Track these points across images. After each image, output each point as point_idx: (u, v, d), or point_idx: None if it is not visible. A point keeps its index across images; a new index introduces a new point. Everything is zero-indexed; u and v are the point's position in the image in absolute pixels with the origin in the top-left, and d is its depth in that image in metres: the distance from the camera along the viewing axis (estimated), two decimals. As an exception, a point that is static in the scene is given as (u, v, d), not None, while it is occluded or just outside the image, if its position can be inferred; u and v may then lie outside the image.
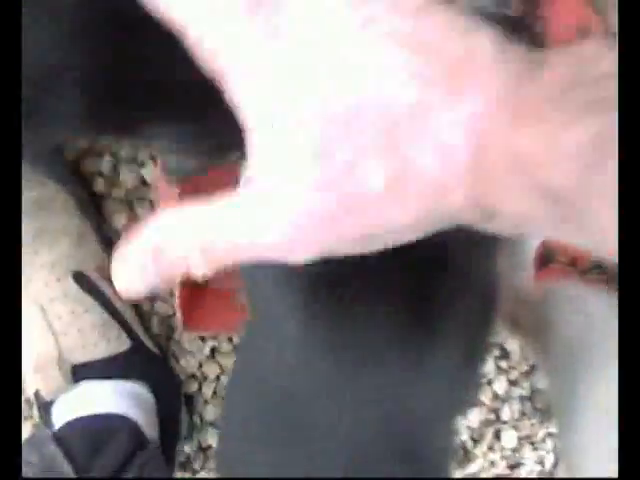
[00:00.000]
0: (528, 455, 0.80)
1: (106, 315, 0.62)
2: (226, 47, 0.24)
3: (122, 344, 0.63)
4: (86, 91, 0.36)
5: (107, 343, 0.61)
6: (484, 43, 0.23)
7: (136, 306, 0.68)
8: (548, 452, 0.80)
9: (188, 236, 0.26)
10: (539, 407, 0.78)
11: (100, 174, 0.66)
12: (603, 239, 0.23)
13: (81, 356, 0.60)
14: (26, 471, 0.52)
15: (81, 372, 0.60)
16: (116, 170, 0.66)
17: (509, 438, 0.79)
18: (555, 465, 0.80)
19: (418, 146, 0.23)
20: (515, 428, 0.79)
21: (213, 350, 0.71)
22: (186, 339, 0.70)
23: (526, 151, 0.22)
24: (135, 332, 0.64)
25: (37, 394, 0.60)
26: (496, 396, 0.78)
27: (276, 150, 0.25)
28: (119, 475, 0.56)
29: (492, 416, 0.79)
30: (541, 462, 0.80)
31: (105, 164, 0.65)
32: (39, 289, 0.60)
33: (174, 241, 0.26)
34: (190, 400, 0.71)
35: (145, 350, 0.65)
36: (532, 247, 0.70)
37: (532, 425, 0.79)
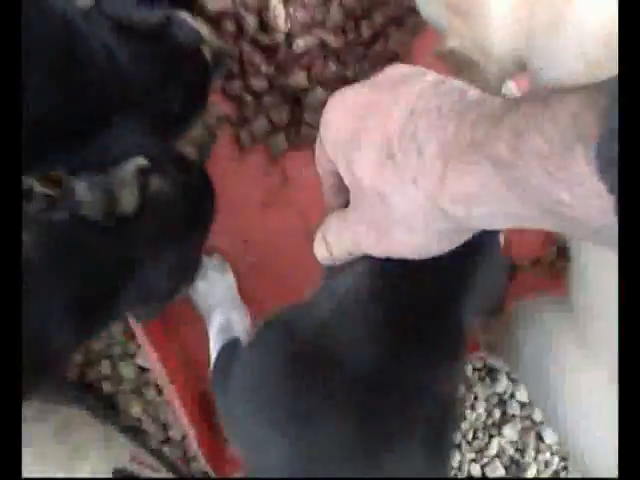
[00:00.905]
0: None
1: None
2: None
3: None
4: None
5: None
6: None
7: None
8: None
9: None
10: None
11: (105, 377, 0.74)
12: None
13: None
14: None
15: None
16: (115, 368, 0.74)
17: (550, 434, 0.84)
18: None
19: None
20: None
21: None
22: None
23: None
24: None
25: None
26: (523, 405, 0.84)
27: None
28: None
29: (527, 423, 0.84)
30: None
31: (105, 367, 0.73)
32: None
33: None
34: None
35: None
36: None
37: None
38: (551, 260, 0.82)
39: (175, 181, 0.59)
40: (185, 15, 0.60)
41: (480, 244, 0.47)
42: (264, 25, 0.73)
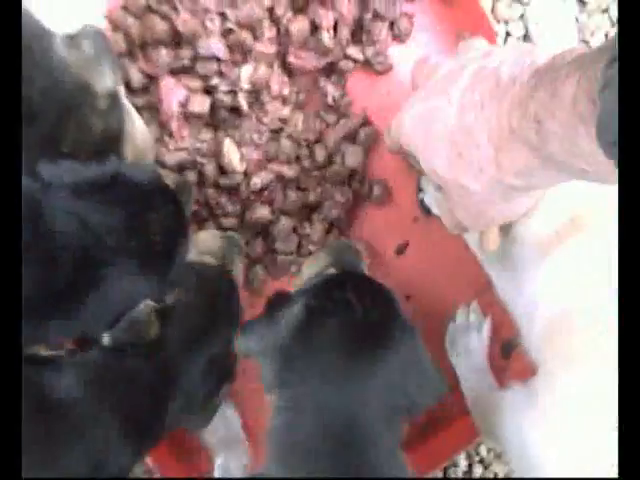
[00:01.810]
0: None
1: None
2: None
3: None
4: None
5: None
6: None
7: None
8: None
9: None
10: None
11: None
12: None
13: None
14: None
15: None
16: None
17: None
18: None
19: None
20: None
21: None
22: None
23: None
24: None
25: None
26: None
27: None
28: None
29: None
30: None
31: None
32: None
33: None
34: None
35: None
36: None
37: None
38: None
39: (195, 288, 0.66)
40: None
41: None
42: (223, 169, 0.76)
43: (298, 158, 0.77)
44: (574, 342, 0.54)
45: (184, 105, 0.73)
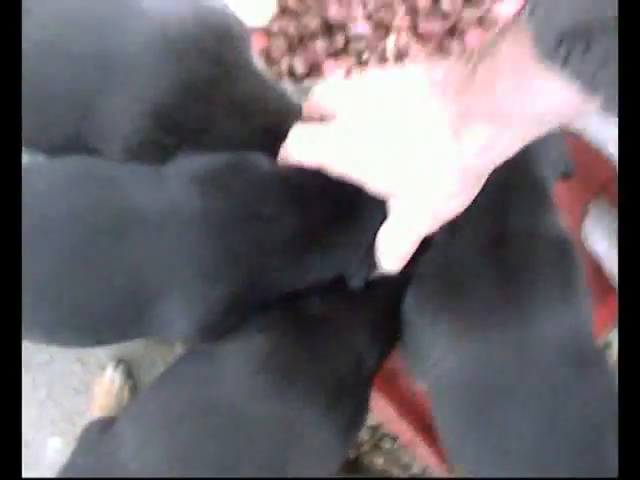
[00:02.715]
0: None
1: None
2: None
3: None
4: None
5: None
6: None
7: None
8: None
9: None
10: None
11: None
12: None
13: None
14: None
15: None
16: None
17: None
18: None
19: None
20: None
21: None
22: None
23: None
24: None
25: None
26: None
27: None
28: None
29: None
30: None
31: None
32: None
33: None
34: None
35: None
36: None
37: None
38: None
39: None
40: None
41: None
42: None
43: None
44: None
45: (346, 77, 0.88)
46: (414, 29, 0.91)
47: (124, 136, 0.68)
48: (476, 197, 0.51)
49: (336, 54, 0.89)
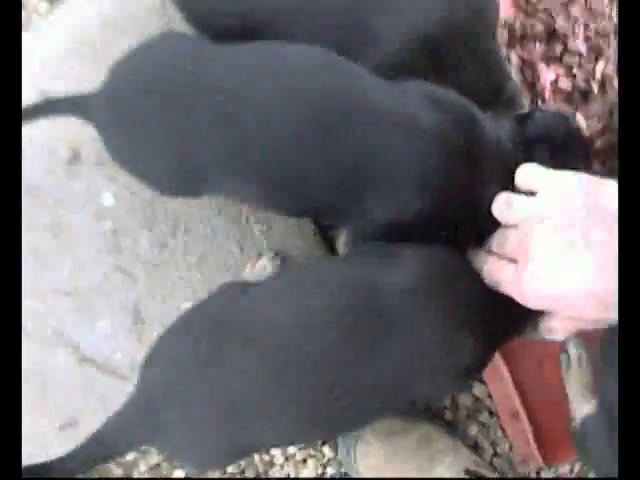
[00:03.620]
0: None
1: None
2: None
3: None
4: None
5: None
6: None
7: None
8: None
9: None
10: None
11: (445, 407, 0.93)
12: None
13: None
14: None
15: None
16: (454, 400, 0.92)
17: None
18: None
19: None
20: None
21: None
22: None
23: None
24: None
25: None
26: None
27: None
28: None
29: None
30: None
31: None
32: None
33: None
34: None
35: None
36: None
37: None
38: None
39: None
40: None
41: None
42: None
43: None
44: None
45: (553, 83, 0.97)
46: (622, 63, 1.00)
47: (388, 52, 0.76)
48: None
49: (549, 60, 0.98)
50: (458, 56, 0.78)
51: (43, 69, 0.93)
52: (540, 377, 0.91)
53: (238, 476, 0.93)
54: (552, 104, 0.97)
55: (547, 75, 0.97)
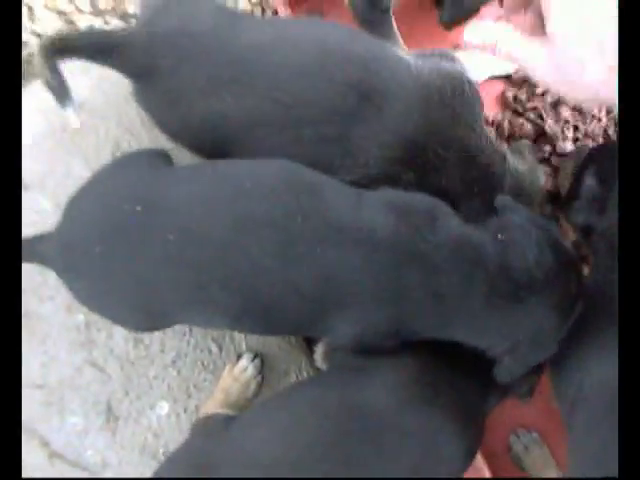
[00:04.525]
0: None
1: None
2: None
3: None
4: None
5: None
6: None
7: None
8: None
9: None
10: None
11: None
12: None
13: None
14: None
15: None
16: None
17: None
18: None
19: None
20: None
21: None
22: None
23: None
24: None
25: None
26: None
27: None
28: None
29: None
30: None
31: None
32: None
33: None
34: None
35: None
36: None
37: None
38: None
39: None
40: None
41: None
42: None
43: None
44: None
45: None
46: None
47: (368, 162, 0.75)
48: None
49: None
50: (441, 158, 0.77)
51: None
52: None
53: None
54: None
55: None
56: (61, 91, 0.71)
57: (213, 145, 0.75)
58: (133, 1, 1.02)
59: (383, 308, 0.67)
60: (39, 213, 0.92)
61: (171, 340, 0.93)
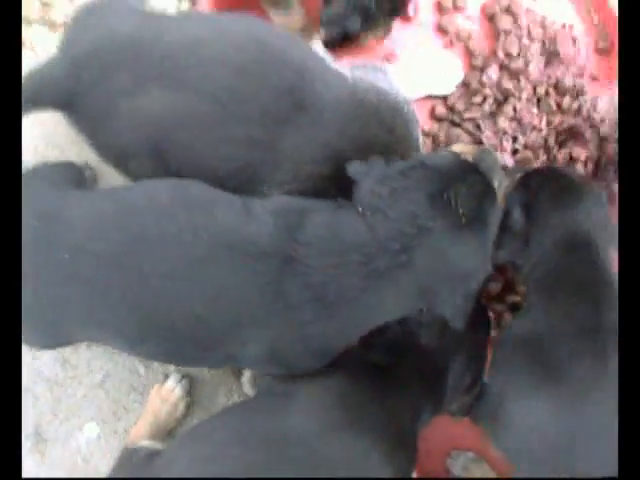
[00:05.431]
0: None
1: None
2: None
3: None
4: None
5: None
6: None
7: None
8: None
9: None
10: None
11: None
12: None
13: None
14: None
15: None
16: None
17: None
18: None
19: None
20: None
21: None
22: None
23: None
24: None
25: None
26: None
27: None
28: None
29: None
30: None
31: None
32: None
33: None
34: None
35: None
36: None
37: None
38: None
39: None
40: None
41: None
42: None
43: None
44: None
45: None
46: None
47: (295, 177, 0.74)
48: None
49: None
50: None
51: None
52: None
53: None
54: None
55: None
56: None
57: (147, 154, 0.73)
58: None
59: (277, 321, 0.66)
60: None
61: (98, 360, 0.91)
